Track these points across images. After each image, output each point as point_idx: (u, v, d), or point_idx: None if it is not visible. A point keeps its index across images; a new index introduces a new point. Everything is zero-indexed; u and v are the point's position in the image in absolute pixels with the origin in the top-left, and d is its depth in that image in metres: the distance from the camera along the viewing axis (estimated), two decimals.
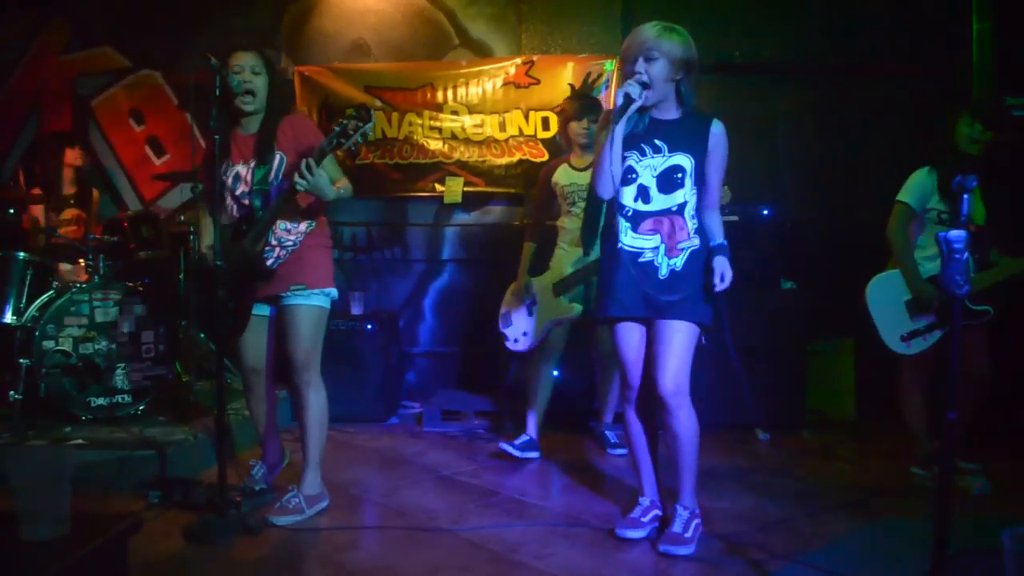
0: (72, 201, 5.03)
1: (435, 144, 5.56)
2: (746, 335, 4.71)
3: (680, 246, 2.85)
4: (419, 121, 5.56)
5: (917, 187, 3.67)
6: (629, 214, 2.87)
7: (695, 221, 2.87)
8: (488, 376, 5.23)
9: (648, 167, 2.85)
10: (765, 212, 4.86)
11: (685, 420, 2.89)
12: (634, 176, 2.86)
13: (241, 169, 3.20)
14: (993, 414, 3.82)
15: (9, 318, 4.26)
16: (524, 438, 4.17)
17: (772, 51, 5.45)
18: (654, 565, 2.77)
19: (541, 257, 4.27)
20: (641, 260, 2.87)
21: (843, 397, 5.01)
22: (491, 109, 5.51)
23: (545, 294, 4.16)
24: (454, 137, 5.55)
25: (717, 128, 2.83)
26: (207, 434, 3.95)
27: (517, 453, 4.09)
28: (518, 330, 4.24)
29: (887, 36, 5.30)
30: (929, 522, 2.10)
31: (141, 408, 4.29)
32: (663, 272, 2.85)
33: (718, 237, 2.89)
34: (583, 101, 4.24)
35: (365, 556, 2.88)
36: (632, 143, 2.85)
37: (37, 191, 4.98)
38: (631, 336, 2.97)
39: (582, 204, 4.09)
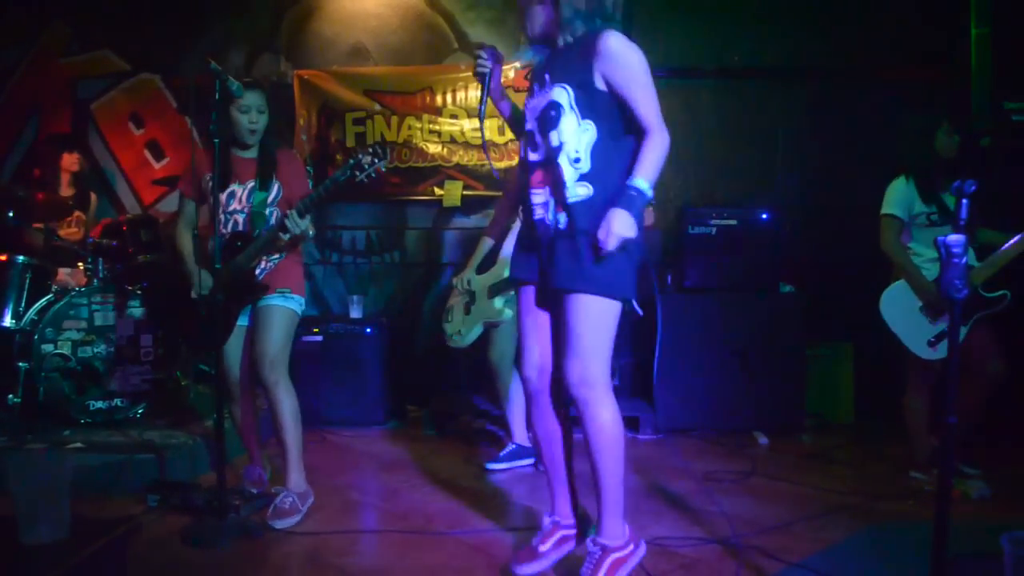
0: (71, 203, 5.03)
1: (434, 148, 5.57)
2: (745, 338, 4.74)
3: (567, 197, 2.39)
4: (418, 125, 5.57)
5: (900, 197, 3.72)
6: (526, 167, 2.52)
7: (580, 167, 2.37)
8: (489, 380, 5.22)
9: (532, 109, 2.48)
10: (764, 216, 4.87)
11: (598, 419, 2.39)
12: (526, 122, 2.52)
13: (237, 188, 3.31)
14: (992, 418, 3.83)
15: (8, 322, 4.26)
16: (510, 448, 4.10)
17: (771, 55, 5.47)
18: (652, 568, 2.76)
19: (492, 256, 4.15)
20: (535, 218, 2.48)
21: (842, 401, 5.02)
22: (490, 113, 5.51)
23: (481, 293, 4.04)
24: (453, 141, 5.56)
25: (606, 41, 2.31)
26: (205, 438, 3.95)
27: (504, 466, 4.03)
28: (454, 327, 4.14)
29: (886, 41, 5.32)
30: (928, 526, 2.10)
31: (140, 412, 4.29)
32: (552, 232, 2.45)
33: (634, 175, 2.33)
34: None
35: (364, 560, 2.88)
36: (530, 83, 2.54)
37: (40, 195, 4.98)
38: (529, 304, 2.58)
39: None
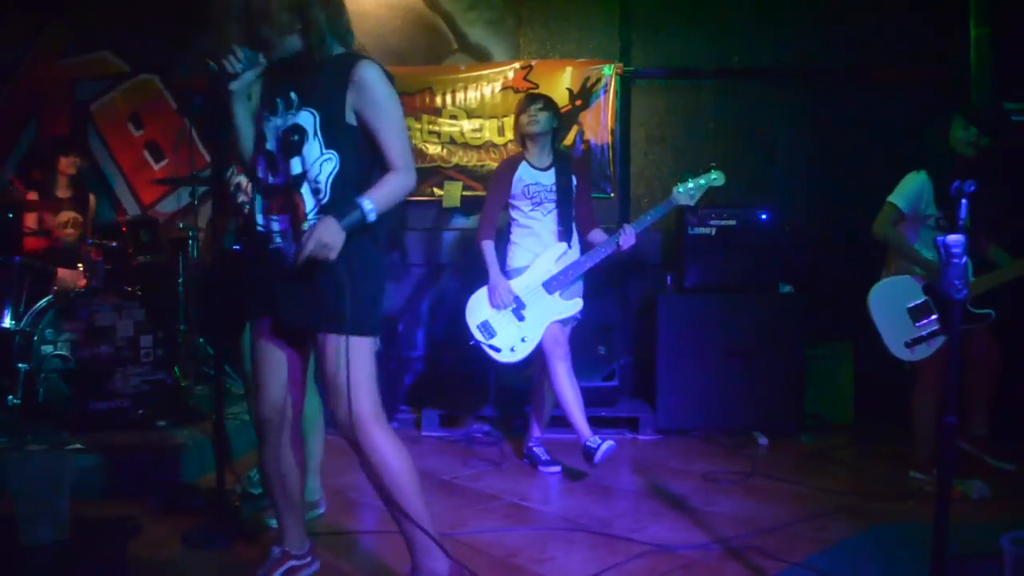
0: (67, 204, 5.02)
1: (434, 148, 5.57)
2: (745, 339, 4.74)
3: (304, 227, 2.27)
4: (418, 126, 5.57)
5: (910, 191, 3.74)
6: (262, 188, 2.36)
7: (320, 198, 2.27)
8: (487, 380, 5.22)
9: (275, 128, 2.33)
10: (763, 216, 4.87)
11: (375, 455, 2.31)
12: (267, 141, 2.35)
13: (243, 180, 3.16)
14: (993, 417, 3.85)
15: (8, 323, 4.26)
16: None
17: (771, 56, 5.46)
18: (652, 569, 2.77)
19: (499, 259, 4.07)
20: (272, 247, 2.34)
21: (841, 401, 5.02)
22: (490, 113, 5.51)
23: (536, 294, 3.94)
24: (453, 142, 5.56)
25: (361, 72, 2.24)
26: (206, 438, 3.94)
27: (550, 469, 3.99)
28: (511, 338, 3.93)
29: (886, 41, 5.32)
30: (928, 526, 2.10)
31: (140, 413, 4.28)
32: (291, 263, 2.29)
33: (365, 195, 2.25)
34: (527, 96, 4.13)
35: (363, 560, 2.88)
36: (267, 96, 2.34)
37: (33, 195, 4.98)
38: (263, 340, 2.42)
39: (550, 205, 3.98)
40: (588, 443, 3.72)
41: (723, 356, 4.74)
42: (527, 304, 3.96)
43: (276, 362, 2.41)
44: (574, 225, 4.02)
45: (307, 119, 2.27)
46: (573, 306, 3.97)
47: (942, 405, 3.66)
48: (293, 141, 2.27)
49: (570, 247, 3.98)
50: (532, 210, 4.00)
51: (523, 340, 3.95)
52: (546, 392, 4.06)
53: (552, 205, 3.98)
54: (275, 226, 2.31)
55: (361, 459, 2.33)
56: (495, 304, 3.96)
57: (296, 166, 2.28)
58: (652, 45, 5.58)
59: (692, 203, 3.93)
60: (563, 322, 3.98)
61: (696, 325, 4.79)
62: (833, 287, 4.99)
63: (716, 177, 3.92)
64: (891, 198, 3.77)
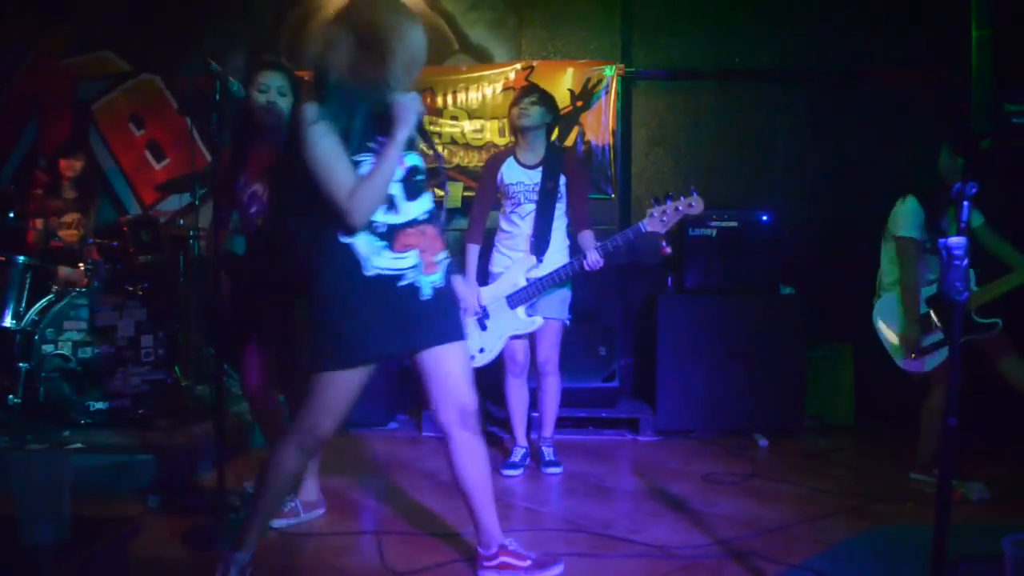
0: (71, 205, 5.03)
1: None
2: (745, 340, 4.74)
3: (436, 259, 2.47)
4: None
5: (912, 217, 3.68)
6: (382, 230, 2.38)
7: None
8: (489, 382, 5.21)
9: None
10: (764, 218, 4.87)
11: (480, 432, 2.65)
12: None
13: (258, 188, 3.08)
14: (990, 418, 3.84)
15: (8, 322, 4.25)
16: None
17: (772, 57, 5.47)
18: (652, 570, 2.76)
19: (479, 264, 4.00)
20: (401, 284, 2.39)
21: (842, 402, 5.02)
22: (491, 114, 5.52)
23: (499, 306, 3.84)
24: (454, 142, 5.56)
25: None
26: (206, 438, 3.94)
27: (515, 472, 3.96)
28: (471, 346, 3.80)
29: (887, 43, 5.32)
30: (928, 528, 2.10)
31: (140, 412, 4.28)
32: (426, 292, 2.43)
33: None
34: (522, 88, 4.08)
35: (364, 561, 2.88)
36: (362, 141, 2.34)
37: (35, 196, 4.98)
38: (357, 380, 2.44)
39: (530, 206, 3.83)
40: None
41: (724, 357, 4.73)
42: (490, 315, 3.87)
43: (356, 391, 2.47)
44: (553, 232, 3.85)
45: (418, 160, 2.46)
46: (531, 324, 3.83)
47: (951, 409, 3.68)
48: (419, 180, 2.46)
49: (540, 260, 3.82)
50: (512, 211, 3.89)
51: (481, 351, 3.88)
52: (546, 395, 4.05)
53: (532, 207, 3.83)
54: (400, 263, 2.39)
55: (466, 449, 2.62)
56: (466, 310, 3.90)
57: (427, 202, 2.47)
58: (653, 46, 5.59)
59: (663, 230, 3.66)
60: (520, 336, 3.90)
61: (697, 326, 4.78)
62: (833, 289, 5.00)
63: (694, 204, 3.61)
64: (903, 232, 3.68)
